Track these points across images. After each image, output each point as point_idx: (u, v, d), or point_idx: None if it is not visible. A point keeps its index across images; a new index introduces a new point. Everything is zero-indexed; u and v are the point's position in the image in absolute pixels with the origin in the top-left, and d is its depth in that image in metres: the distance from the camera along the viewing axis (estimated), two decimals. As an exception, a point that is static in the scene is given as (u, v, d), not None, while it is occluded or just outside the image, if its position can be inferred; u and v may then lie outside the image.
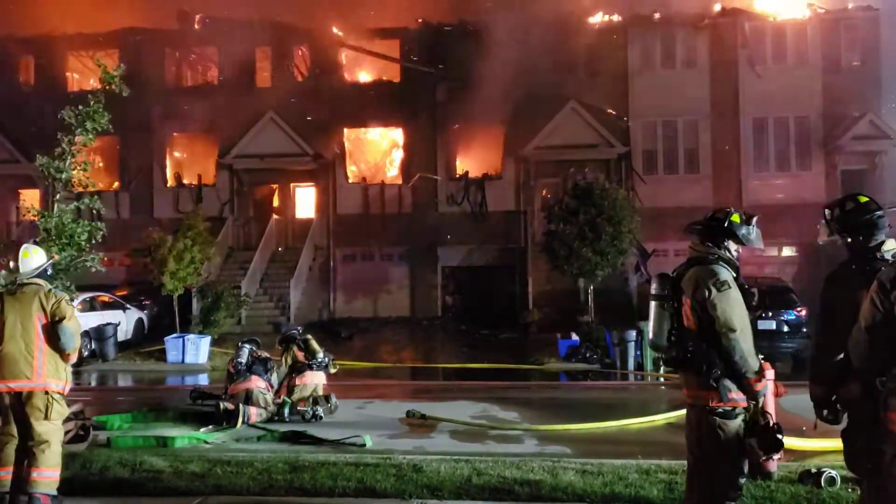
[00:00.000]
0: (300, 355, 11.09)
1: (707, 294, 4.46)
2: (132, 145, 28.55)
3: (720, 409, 4.48)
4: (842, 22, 27.15)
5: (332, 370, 11.37)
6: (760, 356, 5.72)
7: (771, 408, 6.84)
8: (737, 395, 4.49)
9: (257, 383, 10.47)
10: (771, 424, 4.47)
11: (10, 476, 5.81)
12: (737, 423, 4.49)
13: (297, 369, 10.95)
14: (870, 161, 26.47)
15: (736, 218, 4.71)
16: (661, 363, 4.89)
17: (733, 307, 4.43)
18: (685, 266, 4.71)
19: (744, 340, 4.41)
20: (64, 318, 5.96)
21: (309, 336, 11.42)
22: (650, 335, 4.82)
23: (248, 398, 10.31)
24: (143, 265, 21.34)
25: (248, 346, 11.07)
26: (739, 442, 4.49)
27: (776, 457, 6.68)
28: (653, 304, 4.77)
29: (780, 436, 4.46)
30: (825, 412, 4.40)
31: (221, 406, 10.22)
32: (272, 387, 10.71)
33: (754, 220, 4.78)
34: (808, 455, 7.93)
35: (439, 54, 27.50)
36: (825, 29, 27.00)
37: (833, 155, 26.62)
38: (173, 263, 19.77)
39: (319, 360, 11.06)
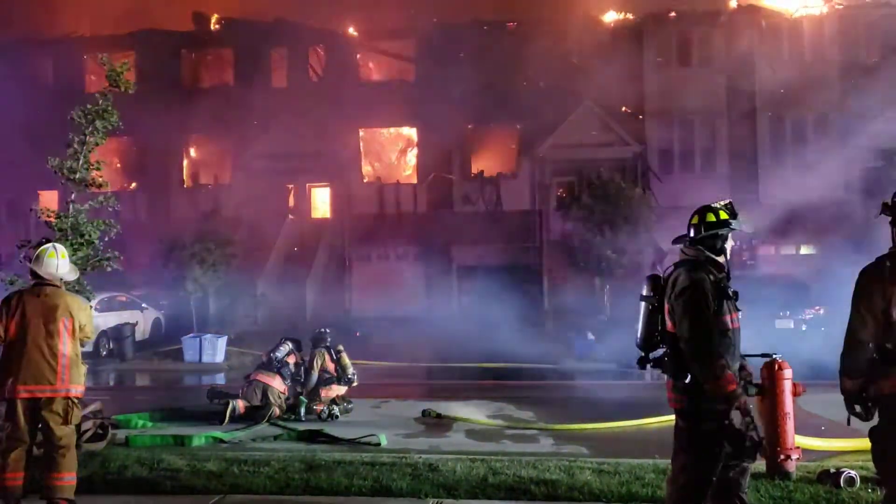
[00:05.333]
0: (330, 366, 11.09)
1: (677, 297, 4.51)
2: (149, 146, 28.75)
3: (689, 413, 4.53)
4: (860, 18, 26.91)
5: (355, 383, 11.43)
6: (778, 355, 5.65)
7: (789, 407, 6.81)
8: (708, 403, 4.45)
9: (278, 384, 10.56)
10: (741, 429, 4.43)
11: (21, 482, 5.74)
12: (707, 429, 4.45)
13: (324, 381, 10.96)
14: (889, 159, 26.18)
15: (711, 217, 4.69)
16: (644, 364, 4.89)
17: (689, 313, 4.44)
18: (673, 268, 4.73)
19: (697, 347, 4.40)
20: (87, 337, 6.04)
21: (342, 348, 11.35)
22: (638, 335, 4.86)
23: (265, 394, 10.40)
24: (161, 264, 21.49)
25: (290, 343, 11.15)
26: (709, 449, 4.45)
27: (794, 457, 6.68)
28: (642, 305, 4.82)
29: (751, 442, 4.44)
30: (857, 408, 4.34)
31: (231, 404, 10.33)
32: (287, 391, 10.78)
33: (730, 209, 4.74)
34: (827, 455, 7.86)
35: (454, 54, 27.51)
36: (843, 25, 26.78)
37: (852, 152, 26.35)
38: (198, 270, 20.02)
39: (349, 377, 11.11)
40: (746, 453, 4.47)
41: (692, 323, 4.44)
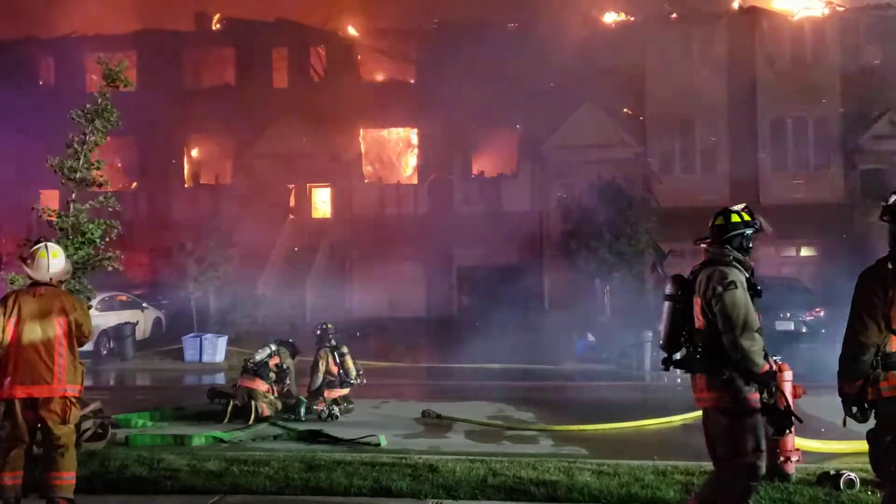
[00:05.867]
0: (334, 368, 11.12)
1: (714, 293, 4.57)
2: (150, 146, 28.77)
3: (730, 408, 4.55)
4: (861, 20, 26.90)
5: (362, 382, 11.44)
6: (778, 357, 5.69)
7: (786, 398, 6.80)
8: (748, 396, 4.53)
9: (259, 385, 10.60)
10: (782, 404, 4.57)
11: (21, 481, 5.72)
12: (750, 423, 4.52)
13: (327, 383, 11.00)
14: (889, 160, 26.20)
15: (736, 218, 4.83)
16: (669, 364, 4.97)
17: (735, 307, 4.51)
18: (700, 267, 4.82)
19: (745, 339, 4.47)
20: (85, 336, 6.01)
21: (346, 351, 11.39)
22: (661, 335, 4.92)
23: (250, 396, 10.47)
24: (162, 264, 21.52)
25: (272, 346, 11.16)
26: (752, 442, 4.52)
27: (794, 459, 6.68)
28: (666, 304, 4.88)
29: (790, 416, 4.61)
30: (854, 409, 4.35)
31: (231, 403, 10.39)
32: (273, 391, 10.79)
33: (749, 211, 4.89)
34: (827, 457, 7.86)
35: (455, 54, 27.50)
36: (844, 27, 26.76)
37: (852, 154, 26.38)
38: (198, 269, 20.09)
39: (351, 381, 11.15)
40: (785, 423, 4.61)
41: (736, 316, 4.50)
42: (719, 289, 4.54)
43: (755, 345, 4.48)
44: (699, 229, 5.10)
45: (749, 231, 4.81)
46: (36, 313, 5.79)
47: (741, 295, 4.54)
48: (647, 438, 9.48)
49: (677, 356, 4.91)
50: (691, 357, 4.76)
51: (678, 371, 4.92)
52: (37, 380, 5.71)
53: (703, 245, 4.94)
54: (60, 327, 5.83)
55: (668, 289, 4.90)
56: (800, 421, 4.75)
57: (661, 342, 4.95)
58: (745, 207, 4.92)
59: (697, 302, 4.69)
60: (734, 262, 4.70)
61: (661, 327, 4.90)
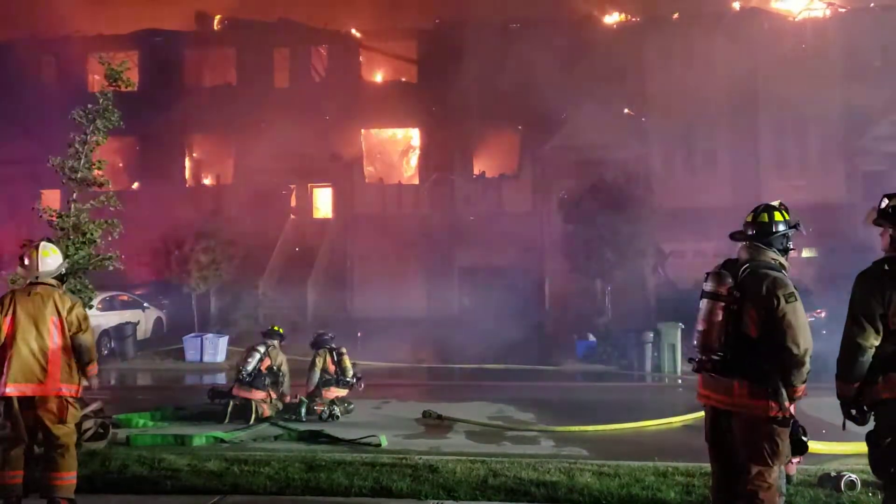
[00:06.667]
0: (331, 367, 11.15)
1: (776, 304, 4.35)
2: (152, 145, 28.78)
3: (779, 418, 4.40)
4: (863, 21, 26.88)
5: (360, 387, 11.41)
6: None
7: (791, 410, 6.80)
8: (790, 405, 4.46)
9: (257, 395, 10.58)
10: (797, 427, 4.51)
11: (21, 480, 5.73)
12: (788, 431, 4.46)
13: (324, 381, 11.01)
14: (891, 162, 26.16)
15: (779, 217, 4.61)
16: (703, 367, 4.66)
17: (797, 319, 4.34)
18: (747, 270, 4.51)
19: (806, 355, 4.34)
20: (80, 330, 5.88)
21: (344, 351, 11.42)
22: (700, 335, 4.59)
23: (248, 403, 10.48)
24: (163, 264, 21.49)
25: (261, 349, 11.09)
26: (789, 448, 4.49)
27: (795, 460, 6.67)
28: (706, 302, 4.55)
29: (804, 438, 4.53)
30: (853, 412, 4.33)
31: (231, 404, 10.40)
32: (271, 396, 10.77)
33: (787, 209, 4.70)
34: (828, 458, 7.85)
35: (457, 55, 27.52)
36: (846, 28, 26.73)
37: (854, 156, 26.34)
38: (204, 257, 20.08)
39: (348, 379, 11.14)
40: (800, 448, 4.55)
41: (799, 330, 4.32)
42: (782, 301, 4.33)
43: (806, 357, 4.34)
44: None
45: (791, 232, 4.61)
46: (31, 312, 5.79)
47: (801, 307, 4.35)
48: (647, 439, 9.49)
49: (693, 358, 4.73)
50: (737, 363, 4.46)
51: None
52: (30, 378, 5.71)
53: (744, 243, 4.64)
54: (55, 326, 5.82)
55: (709, 286, 4.54)
56: (805, 448, 4.66)
57: (696, 343, 4.63)
58: (782, 204, 4.66)
59: (752, 309, 4.41)
60: (783, 269, 4.49)
61: (699, 327, 4.57)
